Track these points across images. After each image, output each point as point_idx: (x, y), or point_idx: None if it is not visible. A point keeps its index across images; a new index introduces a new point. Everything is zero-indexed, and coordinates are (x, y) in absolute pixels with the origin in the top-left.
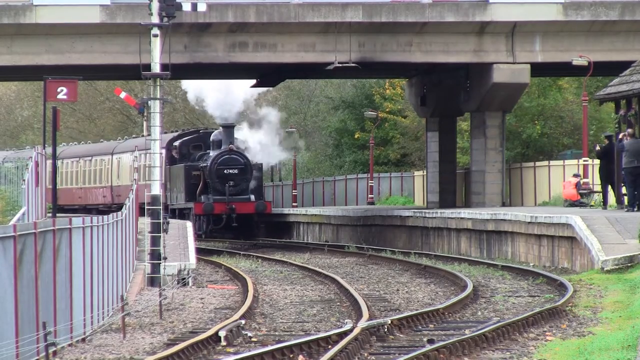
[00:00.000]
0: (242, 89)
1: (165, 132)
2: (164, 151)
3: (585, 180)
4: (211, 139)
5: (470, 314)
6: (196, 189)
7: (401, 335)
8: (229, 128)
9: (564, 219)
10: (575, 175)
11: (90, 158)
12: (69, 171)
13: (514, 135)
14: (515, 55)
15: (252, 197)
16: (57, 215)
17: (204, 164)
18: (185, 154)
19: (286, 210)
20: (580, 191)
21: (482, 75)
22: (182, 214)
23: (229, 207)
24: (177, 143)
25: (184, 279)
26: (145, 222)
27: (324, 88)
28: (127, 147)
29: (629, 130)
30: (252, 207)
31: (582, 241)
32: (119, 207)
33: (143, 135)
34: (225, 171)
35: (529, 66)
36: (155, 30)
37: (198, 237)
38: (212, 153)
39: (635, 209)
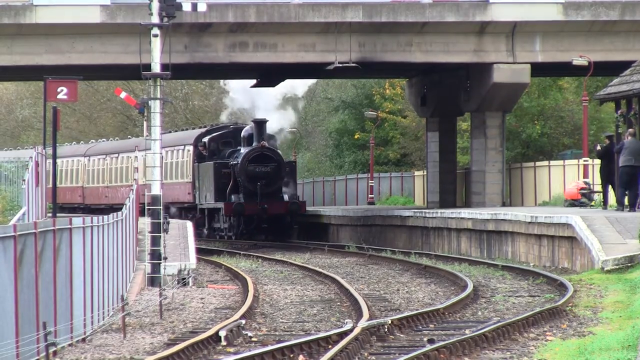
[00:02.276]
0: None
1: (176, 130)
2: (191, 148)
3: (587, 182)
4: (242, 135)
5: (470, 314)
6: (226, 187)
7: (401, 335)
8: (260, 123)
9: (564, 219)
10: (586, 183)
11: (117, 155)
12: (95, 169)
13: (514, 135)
14: (516, 55)
15: (286, 196)
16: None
17: (234, 162)
18: (215, 150)
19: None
20: (581, 191)
21: (483, 75)
22: (211, 214)
23: (260, 207)
24: (205, 139)
25: (184, 279)
26: (146, 222)
27: (325, 88)
28: None
29: (630, 130)
30: (285, 207)
31: (582, 241)
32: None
33: (170, 131)
34: (256, 169)
35: (529, 66)
36: (155, 30)
37: (228, 238)
38: (243, 150)
39: (627, 209)
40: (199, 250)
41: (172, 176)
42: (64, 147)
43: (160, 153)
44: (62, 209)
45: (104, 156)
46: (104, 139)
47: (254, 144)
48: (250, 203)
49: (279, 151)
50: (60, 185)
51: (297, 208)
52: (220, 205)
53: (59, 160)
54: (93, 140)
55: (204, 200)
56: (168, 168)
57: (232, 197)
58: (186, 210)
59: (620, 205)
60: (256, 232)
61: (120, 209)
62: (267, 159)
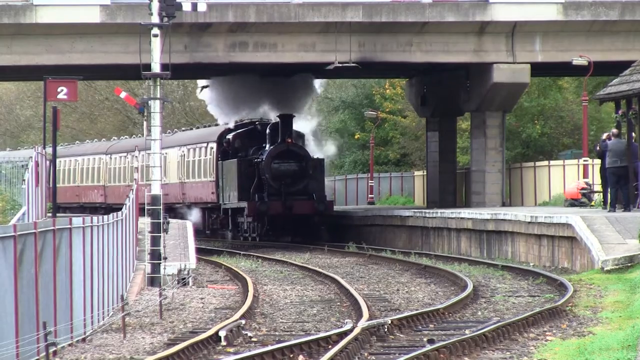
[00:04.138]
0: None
1: (198, 127)
2: (215, 145)
3: (587, 182)
4: (267, 131)
5: (470, 314)
6: (250, 186)
7: (401, 335)
8: (287, 118)
9: (564, 219)
10: (587, 184)
11: (137, 153)
12: (116, 167)
13: (514, 135)
14: (516, 55)
15: (313, 195)
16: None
17: (259, 159)
18: (239, 147)
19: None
20: (581, 191)
21: (482, 75)
22: (235, 214)
23: (285, 207)
24: (229, 136)
25: (184, 278)
26: (145, 222)
27: (326, 88)
28: (174, 141)
29: (614, 130)
30: (311, 207)
31: (582, 241)
32: (166, 208)
33: (191, 128)
34: (281, 167)
35: (529, 66)
36: (155, 30)
37: (252, 239)
38: (268, 147)
39: (616, 209)
40: (199, 250)
41: (195, 175)
42: (85, 144)
43: (161, 153)
44: (84, 209)
45: (124, 154)
46: (126, 136)
47: (280, 140)
48: (275, 202)
49: (305, 148)
50: (81, 184)
51: (324, 208)
52: (244, 204)
53: (79, 158)
54: (115, 138)
55: (227, 200)
56: (190, 166)
57: (257, 196)
58: (210, 211)
59: (612, 206)
60: (281, 233)
61: (144, 209)
62: (293, 156)
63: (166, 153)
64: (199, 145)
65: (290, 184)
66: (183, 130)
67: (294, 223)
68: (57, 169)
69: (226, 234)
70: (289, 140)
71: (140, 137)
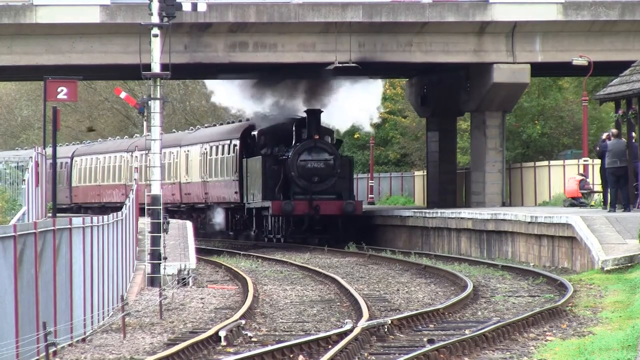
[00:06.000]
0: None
1: (222, 123)
2: (238, 142)
3: (582, 174)
4: (294, 127)
5: (470, 314)
6: (276, 185)
7: (401, 335)
8: (314, 114)
9: (564, 219)
10: (581, 174)
11: (137, 152)
12: (139, 165)
13: (514, 135)
14: (516, 55)
15: (341, 195)
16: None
17: (284, 156)
18: (264, 144)
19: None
20: (582, 191)
21: (482, 75)
22: (259, 215)
23: (312, 207)
24: (254, 132)
25: (184, 279)
26: (145, 222)
27: None
28: (196, 139)
29: (613, 130)
30: (339, 207)
31: (582, 241)
32: (189, 208)
33: (214, 125)
34: (308, 165)
35: (529, 66)
36: (155, 30)
37: (277, 241)
38: (294, 143)
39: (616, 209)
40: (199, 250)
41: (218, 174)
42: (107, 141)
43: (161, 152)
44: (105, 209)
45: (146, 152)
46: (149, 133)
47: (307, 136)
48: (301, 202)
49: (334, 145)
50: (102, 184)
51: (352, 209)
52: (268, 204)
53: (100, 157)
54: (137, 135)
55: (251, 199)
56: (213, 164)
57: (282, 195)
58: (233, 211)
59: (612, 206)
60: (308, 235)
61: (166, 209)
62: (321, 153)
63: (188, 151)
64: (222, 143)
65: (317, 182)
66: (206, 127)
67: (320, 224)
68: (79, 167)
69: (250, 235)
70: (317, 137)
71: (161, 134)
